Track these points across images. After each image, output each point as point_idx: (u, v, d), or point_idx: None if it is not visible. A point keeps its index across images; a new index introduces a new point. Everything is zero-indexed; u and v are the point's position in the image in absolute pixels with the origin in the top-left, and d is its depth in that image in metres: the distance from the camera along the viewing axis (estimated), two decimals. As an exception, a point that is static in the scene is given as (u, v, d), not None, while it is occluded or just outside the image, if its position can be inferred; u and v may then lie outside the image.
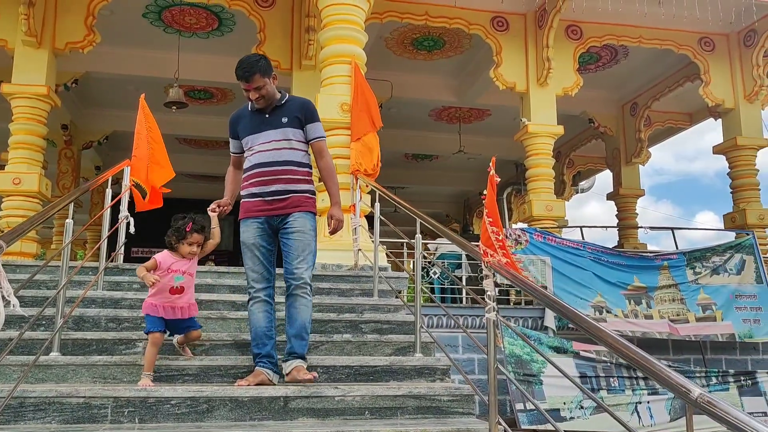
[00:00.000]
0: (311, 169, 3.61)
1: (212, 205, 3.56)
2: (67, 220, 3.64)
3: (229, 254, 14.15)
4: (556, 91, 9.50)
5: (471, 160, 14.35)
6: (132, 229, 4.81)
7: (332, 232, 3.61)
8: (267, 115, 3.50)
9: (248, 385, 3.13)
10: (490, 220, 2.70)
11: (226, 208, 3.59)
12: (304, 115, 3.53)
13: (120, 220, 4.83)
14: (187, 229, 3.41)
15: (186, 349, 3.53)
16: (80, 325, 3.79)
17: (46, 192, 8.49)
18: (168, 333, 3.41)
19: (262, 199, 3.43)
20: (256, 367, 3.30)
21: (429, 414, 3.22)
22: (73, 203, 3.69)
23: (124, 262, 5.20)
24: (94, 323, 3.83)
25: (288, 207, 3.43)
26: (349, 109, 6.28)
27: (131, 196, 4.97)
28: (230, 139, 3.69)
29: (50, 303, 3.30)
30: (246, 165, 3.55)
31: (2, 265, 2.23)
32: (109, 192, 4.73)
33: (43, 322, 3.76)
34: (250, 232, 3.45)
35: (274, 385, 3.23)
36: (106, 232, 4.59)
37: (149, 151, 5.02)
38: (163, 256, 3.45)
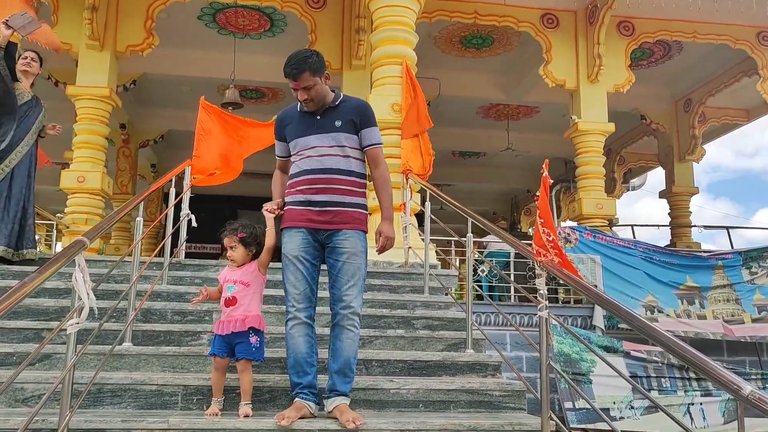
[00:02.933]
0: (365, 179, 3.24)
1: (270, 206, 3.23)
2: (137, 219, 3.86)
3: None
4: (607, 87, 9.40)
5: (519, 157, 14.29)
6: (194, 224, 5.02)
7: (380, 251, 3.22)
8: (318, 117, 3.14)
9: (290, 422, 2.81)
10: (542, 221, 2.77)
11: (279, 210, 3.24)
12: (359, 118, 3.15)
13: (182, 218, 5.05)
14: (221, 234, 3.20)
15: (244, 408, 3.00)
16: (148, 317, 4.01)
17: (108, 190, 8.87)
18: (233, 356, 3.09)
19: (309, 208, 3.08)
20: (296, 399, 2.98)
21: (481, 408, 3.32)
22: (142, 202, 3.89)
23: (184, 257, 5.45)
24: (161, 316, 4.05)
25: (338, 222, 3.06)
26: (400, 109, 6.39)
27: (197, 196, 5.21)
28: (276, 142, 3.34)
29: (123, 296, 3.51)
30: (292, 170, 3.20)
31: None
32: (172, 192, 4.96)
33: (114, 314, 3.99)
34: (293, 243, 3.08)
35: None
36: (170, 230, 4.82)
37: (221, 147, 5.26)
38: (222, 272, 3.27)
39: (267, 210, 3.22)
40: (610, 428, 2.53)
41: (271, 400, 3.15)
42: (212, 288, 3.33)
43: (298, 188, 3.11)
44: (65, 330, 2.47)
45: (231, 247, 3.20)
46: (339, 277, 3.05)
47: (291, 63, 3.03)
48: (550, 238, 2.67)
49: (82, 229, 8.28)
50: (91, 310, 2.41)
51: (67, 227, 8.48)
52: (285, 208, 3.19)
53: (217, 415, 2.95)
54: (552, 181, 2.85)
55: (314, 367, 3.02)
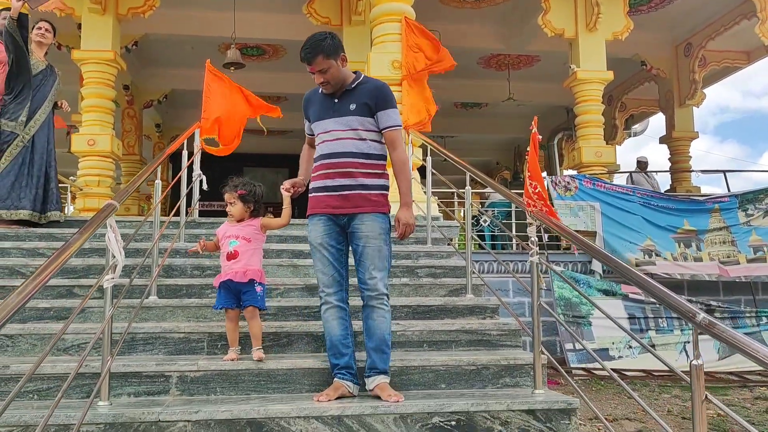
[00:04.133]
0: (385, 160, 3.20)
1: (287, 184, 3.26)
2: (156, 181, 4.10)
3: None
4: (606, 36, 9.46)
5: (521, 106, 14.36)
6: (205, 186, 5.27)
7: (400, 238, 3.15)
8: (336, 100, 3.13)
9: (328, 400, 2.93)
10: (529, 174, 3.00)
11: (299, 188, 3.30)
12: (375, 101, 3.09)
13: (194, 179, 5.30)
14: (222, 190, 3.39)
15: (257, 353, 3.22)
16: (170, 273, 4.31)
17: (118, 151, 9.09)
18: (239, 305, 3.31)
19: (328, 194, 3.09)
20: (335, 379, 3.05)
21: (480, 346, 3.62)
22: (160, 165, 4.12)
23: (198, 216, 5.73)
24: (182, 271, 4.34)
25: (355, 206, 3.05)
26: (400, 66, 6.54)
27: (203, 154, 5.43)
28: (305, 120, 3.34)
29: (147, 254, 3.79)
30: (315, 155, 3.23)
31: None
32: (184, 153, 5.19)
33: (139, 270, 4.28)
34: (317, 231, 3.11)
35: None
36: (184, 190, 5.07)
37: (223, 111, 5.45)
38: (221, 227, 3.46)
39: (284, 189, 3.26)
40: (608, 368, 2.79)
41: (288, 344, 3.46)
42: (209, 241, 3.57)
43: (318, 173, 3.13)
44: (99, 285, 2.74)
45: (230, 203, 3.38)
46: (362, 261, 3.07)
47: (305, 47, 3.03)
48: (536, 190, 2.91)
49: (95, 190, 8.55)
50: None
51: (81, 189, 8.75)
52: (309, 196, 3.20)
53: (233, 360, 3.17)
54: (541, 137, 3.06)
55: (350, 348, 3.08)
